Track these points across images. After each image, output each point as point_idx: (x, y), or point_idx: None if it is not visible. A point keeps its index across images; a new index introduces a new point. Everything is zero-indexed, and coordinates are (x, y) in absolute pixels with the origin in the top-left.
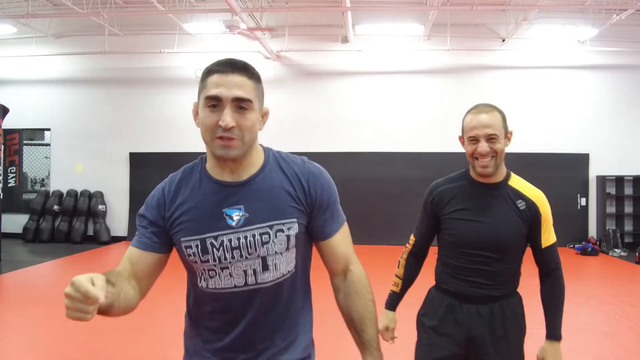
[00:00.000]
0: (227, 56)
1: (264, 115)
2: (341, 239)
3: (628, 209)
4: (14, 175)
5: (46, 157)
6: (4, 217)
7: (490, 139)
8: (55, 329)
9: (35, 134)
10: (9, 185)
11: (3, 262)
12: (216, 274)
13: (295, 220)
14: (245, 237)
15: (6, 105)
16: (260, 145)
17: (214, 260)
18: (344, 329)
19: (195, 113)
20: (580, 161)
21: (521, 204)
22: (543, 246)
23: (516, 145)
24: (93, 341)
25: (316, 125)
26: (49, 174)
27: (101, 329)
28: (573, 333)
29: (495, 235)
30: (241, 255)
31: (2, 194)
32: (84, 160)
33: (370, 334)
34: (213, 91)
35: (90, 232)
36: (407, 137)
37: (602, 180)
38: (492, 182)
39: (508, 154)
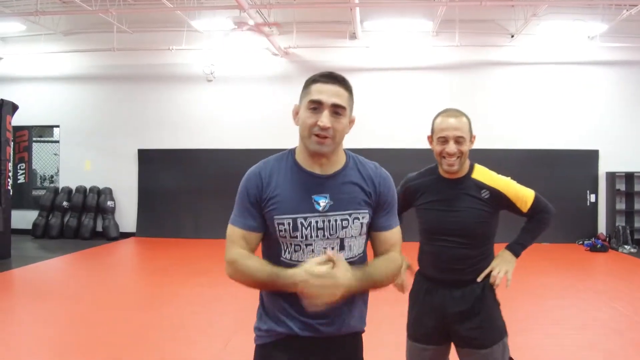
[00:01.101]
0: (235, 53)
1: (352, 122)
2: (396, 234)
3: (638, 205)
4: (24, 171)
5: (55, 154)
6: (14, 213)
7: (458, 141)
8: (65, 323)
9: (45, 131)
10: (19, 181)
11: (13, 257)
12: (300, 249)
13: (367, 212)
14: (329, 221)
15: (16, 102)
16: (343, 148)
17: (302, 237)
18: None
19: (296, 113)
20: (590, 157)
21: (485, 194)
22: (525, 210)
23: (526, 142)
24: (102, 335)
25: None
26: (58, 171)
27: (110, 323)
28: (582, 329)
29: (460, 223)
30: (324, 235)
31: (11, 190)
32: (93, 157)
33: (374, 265)
34: (316, 96)
35: (99, 228)
36: (415, 134)
37: (611, 176)
38: (457, 177)
39: (518, 151)
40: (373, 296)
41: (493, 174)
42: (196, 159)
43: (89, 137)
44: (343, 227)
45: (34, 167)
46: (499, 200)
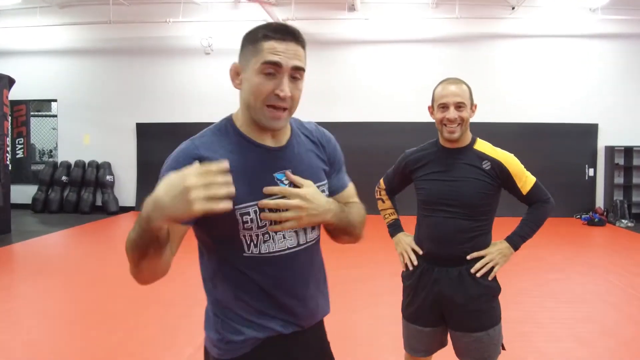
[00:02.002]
0: (233, 25)
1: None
2: (351, 189)
3: (636, 179)
4: (22, 146)
5: (53, 129)
6: (13, 188)
7: (458, 106)
8: (65, 297)
9: (42, 105)
10: (17, 156)
11: (13, 232)
12: (270, 237)
13: (326, 181)
14: None
15: (12, 76)
16: None
17: (271, 223)
18: (355, 305)
19: (235, 74)
20: (589, 131)
21: (486, 165)
22: (524, 193)
23: (525, 115)
24: (103, 309)
25: (322, 95)
26: (57, 145)
27: (111, 297)
28: (578, 303)
29: (459, 192)
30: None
31: (10, 165)
32: (91, 131)
33: (349, 209)
34: (273, 57)
35: (99, 203)
36: (415, 107)
37: (610, 150)
38: (458, 146)
39: (518, 124)
40: (369, 275)
41: (496, 147)
42: (195, 132)
43: (87, 111)
44: None
45: (32, 141)
46: (500, 172)
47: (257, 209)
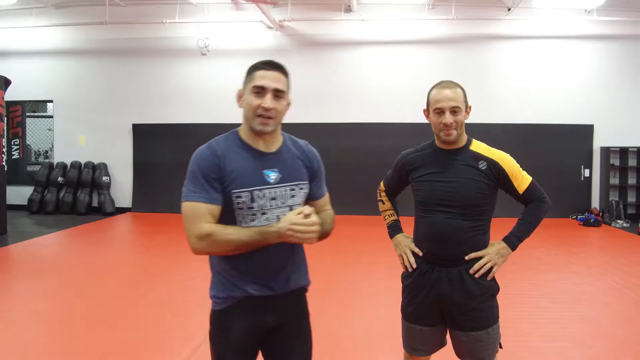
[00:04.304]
0: (230, 26)
1: (288, 104)
2: (327, 198)
3: (632, 180)
4: (18, 147)
5: (49, 129)
6: (9, 189)
7: (454, 111)
8: (61, 298)
9: (38, 106)
10: (13, 157)
11: (9, 233)
12: (256, 218)
13: (307, 182)
14: (280, 191)
15: (8, 76)
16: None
17: (258, 207)
18: (354, 305)
19: (239, 97)
20: (585, 132)
21: (482, 165)
22: (521, 192)
23: (521, 116)
24: (99, 310)
25: (319, 96)
26: (53, 146)
27: (107, 298)
28: (573, 302)
29: (456, 193)
30: (277, 204)
31: (6, 166)
32: (87, 132)
33: (322, 218)
34: (260, 82)
35: (95, 204)
36: (411, 108)
37: (606, 151)
38: (455, 147)
39: (513, 125)
40: (368, 271)
41: (491, 148)
42: (191, 133)
43: (83, 112)
44: (292, 196)
45: (28, 142)
46: (497, 172)
47: (248, 194)
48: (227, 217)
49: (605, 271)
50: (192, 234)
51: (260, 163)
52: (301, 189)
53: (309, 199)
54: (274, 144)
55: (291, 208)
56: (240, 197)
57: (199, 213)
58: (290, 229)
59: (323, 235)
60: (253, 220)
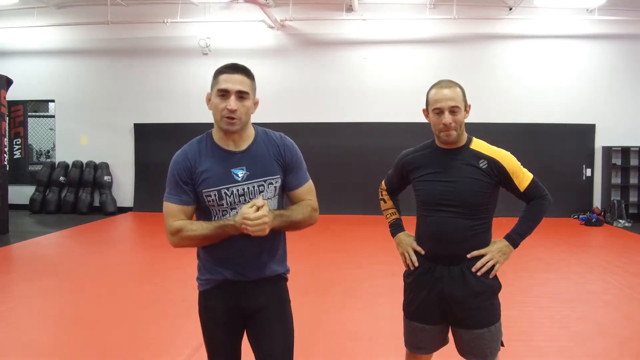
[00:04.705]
0: (231, 26)
1: (256, 103)
2: (307, 188)
3: (633, 180)
4: (20, 147)
5: (51, 129)
6: (11, 188)
7: (453, 111)
8: (63, 298)
9: (40, 106)
10: (15, 157)
11: (11, 233)
12: (228, 213)
13: (278, 176)
14: (248, 188)
15: (10, 76)
16: (252, 123)
17: (227, 204)
18: (355, 304)
19: (208, 100)
20: (586, 132)
21: (483, 164)
22: (522, 190)
23: (523, 116)
24: (100, 309)
25: (320, 95)
26: (54, 146)
27: (109, 298)
28: (576, 302)
29: (458, 193)
30: (245, 200)
31: (8, 165)
32: (89, 132)
33: (291, 209)
34: (223, 85)
35: (97, 203)
36: (412, 108)
37: (608, 151)
38: (455, 147)
39: (515, 124)
40: (369, 271)
41: (492, 146)
42: (192, 133)
43: (85, 111)
44: (260, 192)
45: (29, 142)
46: (497, 171)
47: (216, 192)
48: (205, 212)
49: (607, 271)
50: (167, 230)
51: (229, 163)
52: (270, 184)
53: (287, 190)
54: (244, 142)
55: None
56: (209, 195)
57: (172, 212)
58: (242, 222)
59: (293, 225)
60: (224, 215)
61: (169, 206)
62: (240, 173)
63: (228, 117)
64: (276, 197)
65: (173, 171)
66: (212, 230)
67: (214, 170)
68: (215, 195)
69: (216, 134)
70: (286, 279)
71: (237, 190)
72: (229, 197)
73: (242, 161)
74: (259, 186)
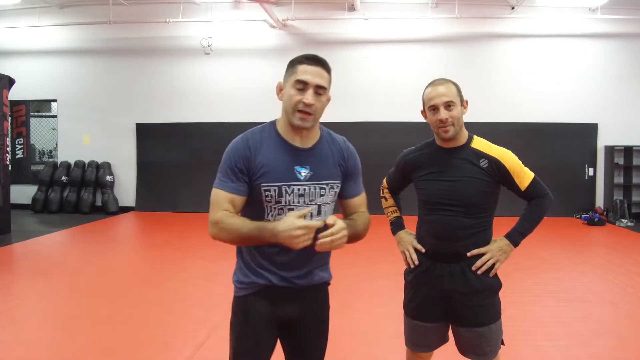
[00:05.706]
0: (233, 25)
1: (328, 100)
2: (362, 198)
3: (636, 179)
4: (22, 146)
5: (53, 129)
6: (13, 188)
7: (448, 106)
8: (65, 297)
9: (42, 106)
10: (17, 156)
11: (13, 232)
12: (284, 212)
13: (339, 182)
14: (309, 189)
15: (12, 76)
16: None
17: (286, 202)
18: (356, 303)
19: (280, 90)
20: (589, 131)
21: (484, 162)
22: (523, 189)
23: (525, 115)
24: (102, 309)
25: None
26: (56, 145)
27: (111, 297)
28: (578, 302)
29: (459, 192)
30: (305, 202)
31: (10, 165)
32: (91, 131)
33: (355, 220)
34: (302, 77)
35: (99, 203)
36: (414, 107)
37: (610, 150)
38: (455, 145)
39: (517, 124)
40: (370, 270)
41: (492, 144)
42: (194, 132)
43: (87, 111)
44: (321, 195)
45: (32, 142)
46: (498, 169)
47: (276, 188)
48: (257, 207)
49: (610, 270)
50: (209, 219)
51: (293, 158)
52: (331, 188)
53: (342, 198)
54: (311, 140)
55: (319, 207)
56: (268, 190)
57: (219, 200)
58: (291, 234)
59: (355, 237)
60: (280, 214)
61: (218, 193)
62: (304, 172)
63: (302, 112)
64: (333, 203)
65: (230, 157)
66: (249, 230)
67: (276, 164)
68: (275, 191)
69: (282, 126)
70: (329, 284)
71: (298, 190)
72: (289, 195)
73: (307, 160)
74: (320, 189)
